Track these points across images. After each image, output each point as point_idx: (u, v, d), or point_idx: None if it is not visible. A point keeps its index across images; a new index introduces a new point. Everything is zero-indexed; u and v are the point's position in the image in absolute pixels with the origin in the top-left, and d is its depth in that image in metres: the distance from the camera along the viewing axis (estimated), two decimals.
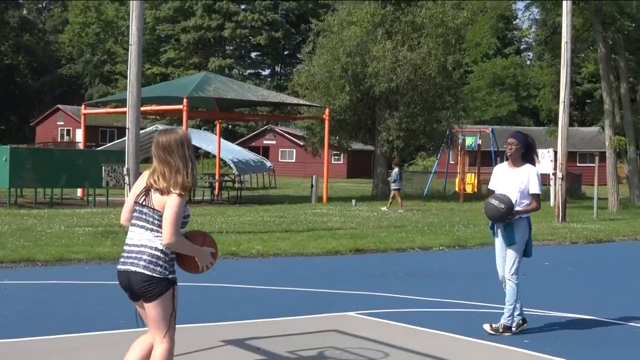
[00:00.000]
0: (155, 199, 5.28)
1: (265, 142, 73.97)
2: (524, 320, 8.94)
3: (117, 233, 17.64)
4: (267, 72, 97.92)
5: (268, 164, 48.96)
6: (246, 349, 7.78)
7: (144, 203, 5.33)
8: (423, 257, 16.32)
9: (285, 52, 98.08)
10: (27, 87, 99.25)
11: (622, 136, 32.75)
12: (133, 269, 5.26)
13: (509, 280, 8.87)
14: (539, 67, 67.68)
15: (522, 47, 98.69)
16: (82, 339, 8.15)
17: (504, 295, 8.92)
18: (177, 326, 5.41)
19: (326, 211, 27.12)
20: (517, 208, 8.74)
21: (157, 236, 5.25)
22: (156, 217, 5.26)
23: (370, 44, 37.04)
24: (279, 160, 70.81)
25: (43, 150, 37.48)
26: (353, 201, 31.46)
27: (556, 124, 28.08)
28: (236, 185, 35.46)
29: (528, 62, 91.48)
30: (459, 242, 18.24)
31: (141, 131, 22.18)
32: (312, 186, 33.39)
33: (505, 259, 8.93)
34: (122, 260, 5.36)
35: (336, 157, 66.47)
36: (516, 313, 8.90)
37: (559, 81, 26.66)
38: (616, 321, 9.65)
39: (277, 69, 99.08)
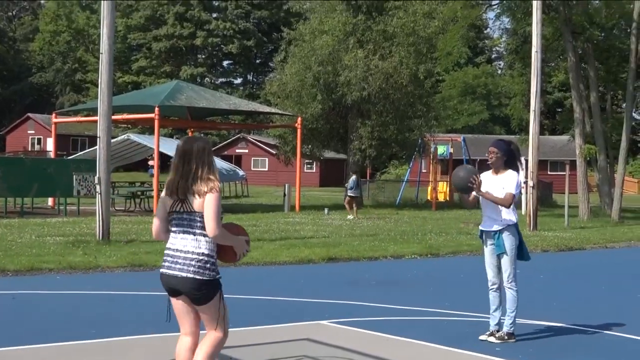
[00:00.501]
0: (194, 202, 5.50)
1: (237, 150, 73.88)
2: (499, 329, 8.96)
3: (89, 242, 17.57)
4: (239, 80, 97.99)
5: (240, 172, 48.83)
6: (219, 358, 7.76)
7: (182, 209, 5.56)
8: (395, 266, 16.35)
9: (257, 61, 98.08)
10: None
11: (593, 145, 32.99)
12: (183, 274, 5.51)
13: (509, 288, 8.88)
14: (509, 76, 68.12)
15: (493, 56, 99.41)
16: (54, 348, 8.08)
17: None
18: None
19: (299, 220, 27.11)
20: (501, 213, 8.76)
21: (201, 240, 5.52)
22: (197, 219, 5.51)
23: (342, 53, 37.11)
24: (252, 168, 70.74)
25: (13, 159, 37.27)
26: (325, 210, 31.51)
27: (527, 132, 28.24)
28: None
29: (499, 71, 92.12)
30: (431, 251, 18.30)
31: (112, 140, 22.10)
32: (284, 195, 33.38)
33: (497, 267, 8.95)
34: (167, 265, 5.61)
35: (309, 165, 66.55)
36: (494, 322, 8.93)
37: (529, 90, 26.87)
38: (587, 329, 9.70)
39: (249, 77, 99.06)
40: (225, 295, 5.68)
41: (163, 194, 5.72)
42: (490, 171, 9.09)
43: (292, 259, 16.22)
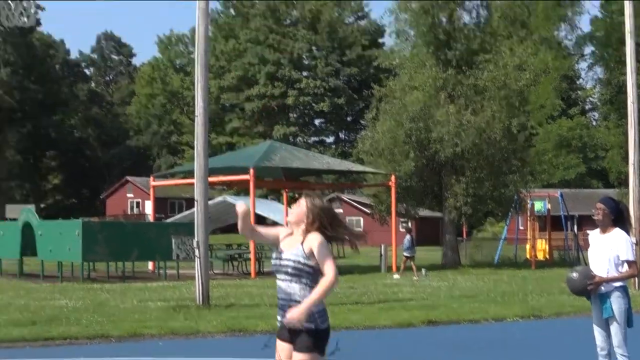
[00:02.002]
0: (304, 248, 5.78)
1: None
2: None
3: (189, 307, 17.71)
4: (331, 139, 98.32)
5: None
6: None
7: (290, 257, 5.83)
8: (497, 329, 16.00)
9: (349, 118, 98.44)
10: (97, 159, 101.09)
11: None
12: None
13: (620, 355, 8.58)
14: (605, 127, 66.92)
15: (587, 107, 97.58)
16: None
17: None
18: None
19: (396, 281, 26.91)
20: (610, 275, 8.52)
21: (307, 288, 5.77)
22: (306, 267, 5.78)
23: (433, 109, 36.99)
24: None
25: (114, 223, 38.01)
26: (423, 270, 31.05)
27: (626, 186, 27.62)
28: None
29: (594, 123, 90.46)
30: (534, 312, 17.86)
31: (209, 202, 22.37)
32: (380, 255, 33.15)
33: (605, 330, 8.67)
34: (280, 312, 5.92)
35: (403, 224, 66.15)
36: None
37: (627, 142, 26.25)
38: None
39: (341, 135, 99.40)
40: None
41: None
42: (598, 230, 8.85)
43: (392, 323, 16.03)
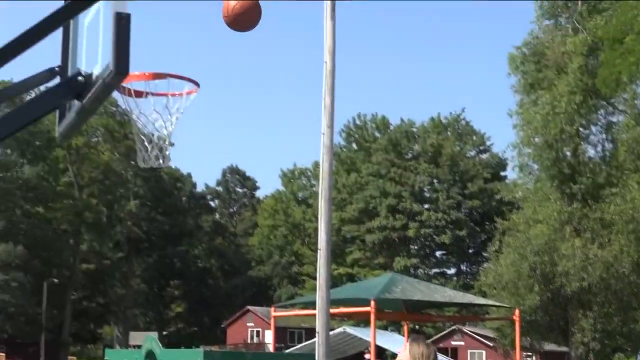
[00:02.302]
0: None
1: (453, 342, 72.55)
2: None
3: None
4: (452, 270, 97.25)
5: None
6: None
7: None
8: None
9: (470, 250, 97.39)
10: (219, 289, 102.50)
11: None
12: None
13: None
14: None
15: None
16: None
17: None
18: None
19: None
20: None
21: None
22: None
23: (558, 242, 36.32)
24: None
25: (235, 353, 38.06)
26: None
27: None
28: None
29: None
30: None
31: (330, 332, 22.17)
32: None
33: None
34: None
35: (527, 358, 64.24)
36: None
37: None
38: None
39: (463, 267, 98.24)
40: None
41: None
42: None
43: None
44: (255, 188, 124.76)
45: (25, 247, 59.48)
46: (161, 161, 7.65)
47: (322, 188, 19.48)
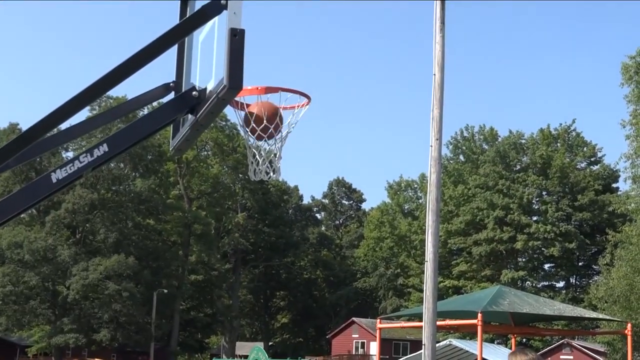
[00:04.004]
0: None
1: (562, 357, 71.17)
2: None
3: None
4: (561, 284, 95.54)
5: None
6: None
7: None
8: None
9: (580, 263, 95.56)
10: (324, 300, 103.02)
11: None
12: None
13: None
14: None
15: None
16: None
17: None
18: None
19: None
20: None
21: None
22: None
23: None
24: None
25: None
26: None
27: None
28: None
29: None
30: None
31: (436, 345, 22.04)
32: None
33: None
34: None
35: None
36: None
37: None
38: None
39: (572, 280, 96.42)
40: None
41: None
42: None
43: None
44: (362, 200, 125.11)
45: (136, 258, 60.86)
46: (272, 174, 7.80)
47: (430, 200, 19.44)
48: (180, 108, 7.58)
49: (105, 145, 7.14)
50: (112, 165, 62.41)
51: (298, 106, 7.35)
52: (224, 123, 74.32)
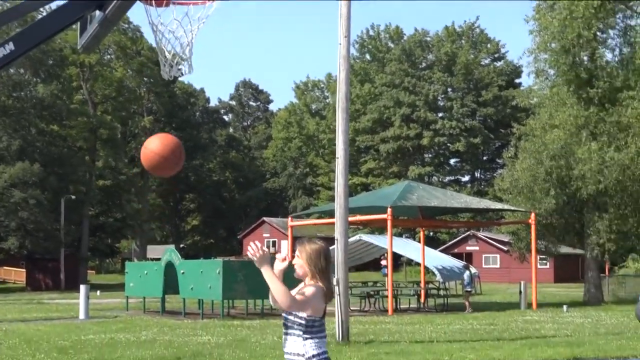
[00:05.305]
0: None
1: (467, 248, 73.29)
2: None
3: (329, 344, 17.75)
4: (466, 178, 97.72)
5: (473, 270, 48.29)
6: None
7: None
8: None
9: (484, 158, 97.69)
10: (234, 201, 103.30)
11: None
12: None
13: None
14: None
15: None
16: None
17: None
18: None
19: (537, 318, 26.36)
20: None
21: (301, 340, 5.40)
22: (297, 319, 5.39)
23: (574, 146, 36.31)
24: (483, 266, 69.83)
25: (251, 261, 38.53)
26: (564, 307, 30.46)
27: None
28: (441, 292, 35.12)
29: None
30: None
31: None
32: (520, 292, 32.68)
33: None
34: None
35: (542, 261, 64.94)
36: None
37: None
38: None
39: (477, 174, 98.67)
40: None
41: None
42: None
43: (535, 359, 15.68)
44: (269, 101, 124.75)
45: (42, 165, 59.75)
46: (185, 70, 7.71)
47: (339, 98, 19.55)
48: (87, 4, 7.39)
49: (11, 43, 6.92)
50: (12, 71, 60.61)
51: (208, 1, 7.24)
52: (126, 26, 72.70)
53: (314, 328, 5.46)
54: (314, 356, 5.42)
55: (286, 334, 5.49)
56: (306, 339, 5.43)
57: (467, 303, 31.03)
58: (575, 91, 37.56)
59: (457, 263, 47.97)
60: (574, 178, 35.77)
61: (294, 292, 5.38)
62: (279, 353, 16.10)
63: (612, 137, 36.51)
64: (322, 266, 5.56)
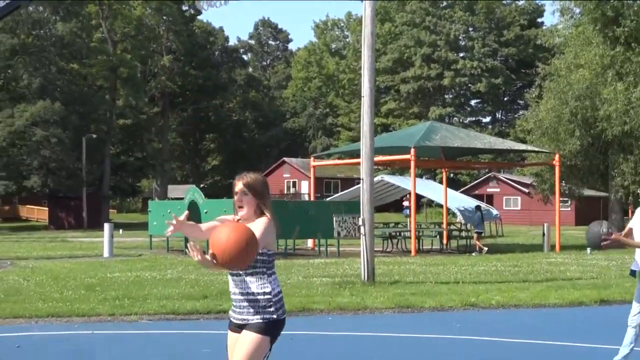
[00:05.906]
0: None
1: (489, 190, 73.05)
2: None
3: (354, 283, 17.77)
4: (487, 119, 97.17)
5: (494, 212, 48.16)
6: None
7: None
8: None
9: (506, 99, 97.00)
10: (254, 141, 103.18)
11: None
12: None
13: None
14: None
15: None
16: None
17: None
18: None
19: (561, 260, 26.26)
20: None
21: (271, 280, 5.26)
22: (264, 257, 5.21)
23: (600, 87, 35.90)
24: (504, 208, 69.63)
25: (277, 202, 38.53)
26: (588, 250, 30.34)
27: None
28: (463, 234, 35.06)
29: None
30: None
31: None
32: (543, 234, 32.55)
33: None
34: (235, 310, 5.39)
35: (564, 203, 64.75)
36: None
37: None
38: None
39: (498, 115, 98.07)
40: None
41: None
42: None
43: (562, 301, 15.61)
44: (288, 40, 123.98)
45: (62, 103, 59.65)
46: (222, 1, 7.54)
47: (365, 34, 19.25)
48: None
49: None
50: (31, 8, 60.26)
51: None
52: None
53: (272, 263, 5.32)
54: (279, 292, 5.30)
55: (249, 274, 5.21)
56: (270, 274, 5.26)
57: (478, 244, 31.01)
58: (601, 30, 37.02)
59: (479, 203, 47.95)
60: (599, 119, 35.42)
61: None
62: (306, 292, 16.14)
63: (639, 78, 36.04)
64: (269, 197, 5.48)
